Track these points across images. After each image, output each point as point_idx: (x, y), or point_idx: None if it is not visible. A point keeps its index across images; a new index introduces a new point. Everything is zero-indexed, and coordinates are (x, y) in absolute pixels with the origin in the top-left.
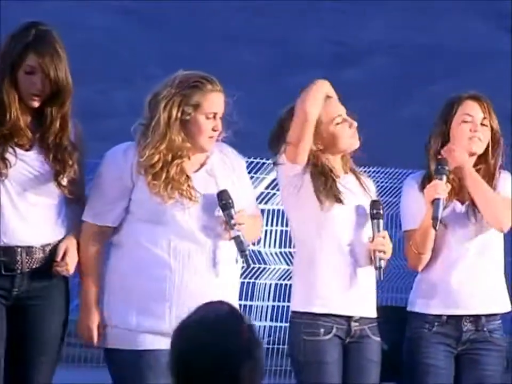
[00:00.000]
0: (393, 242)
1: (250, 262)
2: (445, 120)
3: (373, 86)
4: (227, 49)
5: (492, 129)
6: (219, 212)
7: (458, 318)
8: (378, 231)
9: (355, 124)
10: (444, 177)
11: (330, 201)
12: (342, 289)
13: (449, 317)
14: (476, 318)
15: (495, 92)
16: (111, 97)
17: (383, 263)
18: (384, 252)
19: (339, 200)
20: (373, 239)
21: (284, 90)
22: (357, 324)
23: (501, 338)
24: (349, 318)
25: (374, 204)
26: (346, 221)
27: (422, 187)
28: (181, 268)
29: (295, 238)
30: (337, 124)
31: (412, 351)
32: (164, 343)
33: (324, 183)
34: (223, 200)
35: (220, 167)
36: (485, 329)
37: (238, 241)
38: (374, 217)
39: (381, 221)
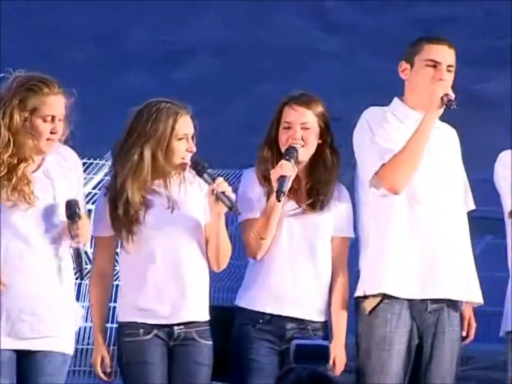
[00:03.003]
0: None
1: (84, 274)
2: (273, 126)
3: (200, 86)
4: (56, 48)
5: (322, 130)
6: (59, 217)
7: (283, 317)
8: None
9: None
10: (292, 160)
11: None
12: (163, 300)
13: (273, 315)
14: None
15: (321, 93)
16: None
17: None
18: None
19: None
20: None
21: (110, 91)
22: (181, 326)
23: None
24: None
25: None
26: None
27: (262, 180)
28: (12, 271)
29: None
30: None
31: (238, 347)
32: None
33: None
34: (70, 209)
35: (56, 168)
36: (309, 327)
37: (76, 254)
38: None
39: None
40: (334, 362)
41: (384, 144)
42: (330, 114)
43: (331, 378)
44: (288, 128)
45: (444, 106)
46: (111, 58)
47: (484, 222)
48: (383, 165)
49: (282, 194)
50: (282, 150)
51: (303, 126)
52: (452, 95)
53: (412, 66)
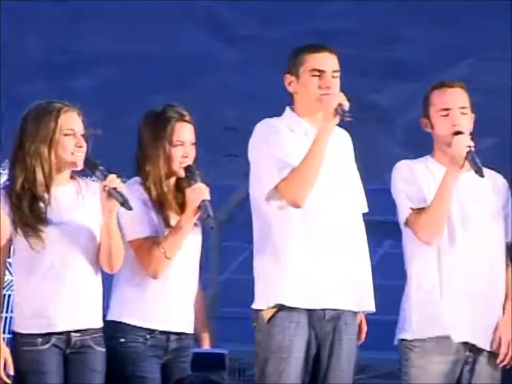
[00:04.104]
0: None
1: None
2: (164, 143)
3: (99, 96)
4: None
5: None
6: None
7: (168, 331)
8: None
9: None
10: (199, 179)
11: None
12: (58, 308)
13: (161, 331)
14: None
15: (218, 103)
16: None
17: None
18: None
19: None
20: None
21: (7, 100)
22: (78, 334)
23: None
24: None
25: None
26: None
27: (156, 200)
28: None
29: None
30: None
31: (125, 365)
32: None
33: None
34: None
35: None
36: (185, 338)
37: None
38: None
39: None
40: None
41: (281, 157)
42: (227, 124)
43: None
44: (181, 145)
45: (339, 116)
46: (8, 68)
47: (382, 227)
48: (283, 179)
49: (214, 219)
50: (175, 168)
51: (192, 143)
52: (346, 105)
53: (297, 79)
